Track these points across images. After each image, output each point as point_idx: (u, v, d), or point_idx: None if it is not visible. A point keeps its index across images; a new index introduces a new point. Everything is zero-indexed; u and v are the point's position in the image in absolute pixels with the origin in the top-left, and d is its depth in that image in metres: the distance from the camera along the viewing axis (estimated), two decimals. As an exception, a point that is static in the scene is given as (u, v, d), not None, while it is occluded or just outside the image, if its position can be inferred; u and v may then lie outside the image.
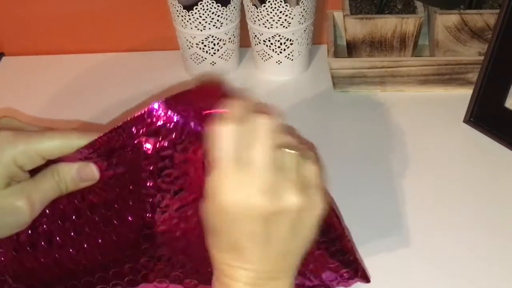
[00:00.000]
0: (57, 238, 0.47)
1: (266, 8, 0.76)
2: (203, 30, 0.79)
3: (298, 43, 0.81)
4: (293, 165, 0.39)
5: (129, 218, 0.45)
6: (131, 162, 0.43)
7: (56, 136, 0.42)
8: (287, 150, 0.39)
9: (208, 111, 0.40)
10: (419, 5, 0.77)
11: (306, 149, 0.40)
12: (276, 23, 0.77)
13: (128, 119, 0.41)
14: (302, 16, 0.78)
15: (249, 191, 0.37)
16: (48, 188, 0.43)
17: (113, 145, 0.42)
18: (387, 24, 0.75)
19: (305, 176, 0.39)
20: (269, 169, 0.37)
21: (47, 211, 0.46)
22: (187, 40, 0.81)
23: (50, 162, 0.44)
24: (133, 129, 0.41)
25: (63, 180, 0.44)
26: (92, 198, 0.46)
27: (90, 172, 0.44)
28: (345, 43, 0.79)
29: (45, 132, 0.43)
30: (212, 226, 0.40)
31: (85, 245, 0.47)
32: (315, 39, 0.86)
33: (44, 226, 0.46)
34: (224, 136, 0.37)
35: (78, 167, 0.43)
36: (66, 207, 0.46)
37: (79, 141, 0.43)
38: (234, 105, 0.39)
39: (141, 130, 0.41)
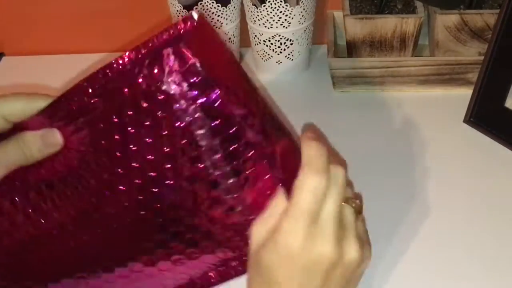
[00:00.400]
0: (29, 210, 0.46)
1: (266, 8, 0.76)
2: (203, 30, 0.79)
3: (298, 43, 0.81)
4: (352, 220, 0.41)
5: (120, 186, 0.43)
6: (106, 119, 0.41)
7: (20, 98, 0.43)
8: (348, 205, 0.41)
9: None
10: (419, 5, 0.77)
11: (358, 201, 0.42)
12: (276, 23, 0.77)
13: (85, 79, 0.40)
14: (302, 16, 0.78)
15: (319, 242, 0.38)
16: (12, 152, 0.43)
17: (74, 106, 0.41)
18: (387, 24, 0.75)
19: (360, 231, 0.42)
20: (338, 223, 0.39)
21: (17, 183, 0.45)
22: (187, 40, 0.81)
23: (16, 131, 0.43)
24: (90, 88, 0.40)
25: (28, 147, 0.43)
26: (58, 167, 0.44)
27: (53, 138, 0.43)
28: (345, 43, 0.79)
29: (9, 94, 0.43)
30: (269, 278, 0.40)
31: (55, 214, 0.45)
32: (315, 39, 0.86)
33: (16, 198, 0.46)
34: (306, 188, 0.38)
35: (42, 134, 0.42)
36: (34, 178, 0.45)
37: (44, 103, 0.42)
38: (315, 153, 0.39)
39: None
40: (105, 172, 0.43)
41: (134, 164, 0.42)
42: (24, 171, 0.44)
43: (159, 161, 0.41)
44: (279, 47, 0.80)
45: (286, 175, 0.41)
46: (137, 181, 0.42)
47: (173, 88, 0.38)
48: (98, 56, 0.91)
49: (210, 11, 0.77)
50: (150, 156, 0.41)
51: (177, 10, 0.78)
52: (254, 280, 0.41)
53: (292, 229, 0.38)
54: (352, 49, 0.78)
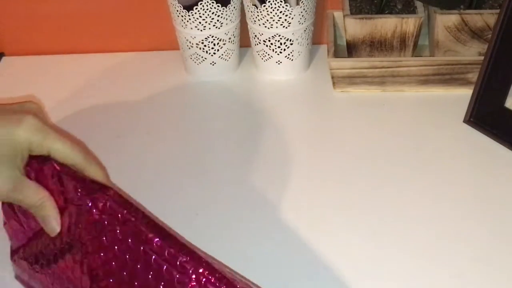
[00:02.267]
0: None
1: (266, 8, 0.76)
2: (203, 30, 0.79)
3: (298, 43, 0.81)
4: None
5: None
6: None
7: (67, 145, 0.49)
8: None
9: None
10: (419, 5, 0.77)
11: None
12: (276, 23, 0.77)
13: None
14: (302, 16, 0.78)
15: None
16: (29, 201, 0.49)
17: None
18: (387, 24, 0.75)
19: None
20: None
21: None
22: (187, 40, 0.81)
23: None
24: None
25: (40, 211, 0.49)
26: None
27: (52, 225, 0.49)
28: (345, 43, 0.79)
29: (61, 136, 0.49)
30: None
31: None
32: (315, 39, 0.86)
33: None
34: None
35: (51, 215, 0.49)
36: None
37: (83, 162, 0.50)
38: None
39: None
40: None
41: None
42: None
43: None
44: (279, 47, 0.80)
45: None
46: None
47: None
48: (98, 56, 0.91)
49: (210, 11, 0.77)
50: None
51: (177, 10, 0.78)
52: None
53: None
54: (352, 49, 0.78)
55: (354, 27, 0.76)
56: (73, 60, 0.91)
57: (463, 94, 0.75)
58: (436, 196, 0.65)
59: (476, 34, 0.75)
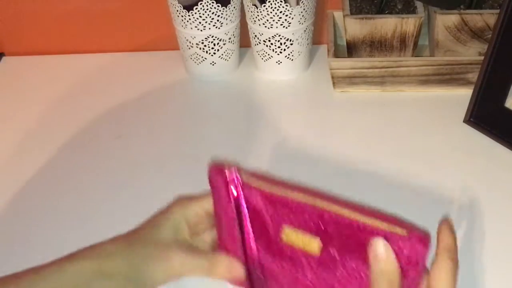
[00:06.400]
0: None
1: (266, 8, 0.76)
2: (203, 30, 0.79)
3: (298, 43, 0.81)
4: None
5: None
6: None
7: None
8: None
9: None
10: (419, 5, 0.77)
11: None
12: (276, 23, 0.77)
13: None
14: (302, 16, 0.78)
15: None
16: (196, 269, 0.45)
17: None
18: (387, 24, 0.75)
19: None
20: None
21: None
22: (187, 40, 0.81)
23: None
24: None
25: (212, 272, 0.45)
26: None
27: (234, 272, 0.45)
28: (345, 43, 0.79)
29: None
30: None
31: None
32: (315, 39, 0.86)
33: None
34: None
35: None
36: None
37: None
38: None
39: None
40: None
41: None
42: None
43: None
44: (279, 47, 0.80)
45: None
46: None
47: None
48: (98, 56, 0.91)
49: (210, 11, 0.77)
50: None
51: (177, 10, 0.78)
52: None
53: None
54: (352, 49, 0.78)
55: (354, 27, 0.76)
56: (73, 60, 0.91)
57: (463, 94, 0.75)
58: (436, 196, 0.65)
59: (476, 34, 0.75)
